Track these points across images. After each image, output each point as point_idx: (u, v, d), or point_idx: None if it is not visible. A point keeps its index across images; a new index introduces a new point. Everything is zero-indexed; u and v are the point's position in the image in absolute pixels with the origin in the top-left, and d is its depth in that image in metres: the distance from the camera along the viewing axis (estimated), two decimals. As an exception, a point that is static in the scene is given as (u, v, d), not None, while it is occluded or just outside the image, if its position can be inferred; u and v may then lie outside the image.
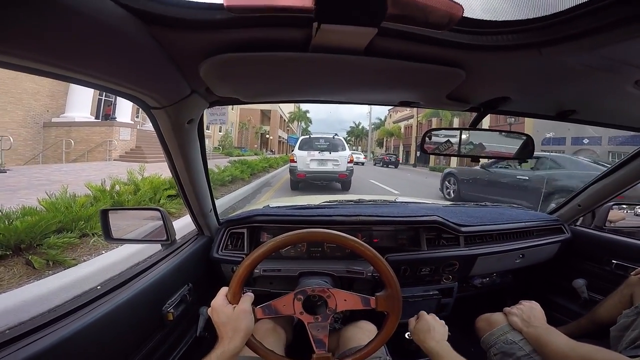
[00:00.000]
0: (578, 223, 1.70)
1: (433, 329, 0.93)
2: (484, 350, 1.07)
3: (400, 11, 0.40)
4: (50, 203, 3.36)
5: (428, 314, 1.00)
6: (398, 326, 0.80)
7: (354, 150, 36.76)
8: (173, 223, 1.21)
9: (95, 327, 0.69)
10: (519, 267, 1.54)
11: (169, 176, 5.04)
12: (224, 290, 0.76)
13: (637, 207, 1.75)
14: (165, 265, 1.01)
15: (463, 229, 1.39)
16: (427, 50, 0.55)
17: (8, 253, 2.59)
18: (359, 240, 0.79)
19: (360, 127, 68.18)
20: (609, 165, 1.40)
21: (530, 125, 16.73)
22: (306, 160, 8.44)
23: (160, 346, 0.96)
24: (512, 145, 1.07)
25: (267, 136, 43.04)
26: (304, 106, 53.59)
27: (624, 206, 1.71)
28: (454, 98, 0.81)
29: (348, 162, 8.53)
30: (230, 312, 0.71)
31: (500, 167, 6.84)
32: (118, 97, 14.01)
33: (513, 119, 16.60)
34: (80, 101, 13.59)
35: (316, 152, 8.56)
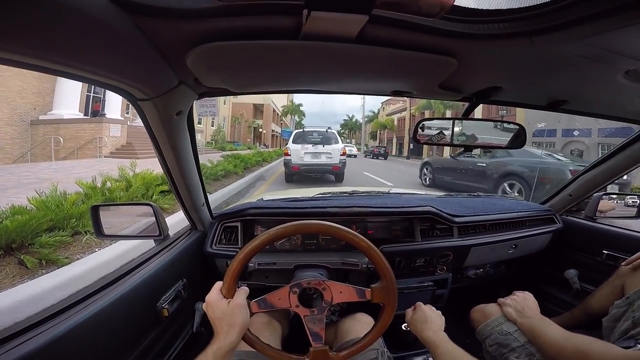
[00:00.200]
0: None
1: (430, 320, 0.95)
2: (479, 341, 1.08)
3: None
4: (41, 201, 3.31)
5: (424, 305, 1.01)
6: (395, 318, 0.81)
7: (348, 143, 37.36)
8: (167, 219, 1.20)
9: (89, 325, 0.69)
10: (512, 257, 1.56)
11: (160, 172, 4.99)
12: (218, 284, 0.75)
13: (628, 197, 1.77)
14: (159, 261, 1.00)
15: (457, 219, 1.40)
16: (418, 38, 0.54)
17: (0, 253, 2.55)
18: (353, 232, 0.78)
19: (353, 119, 68.22)
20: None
21: (521, 117, 16.87)
22: (300, 154, 8.65)
23: (156, 343, 0.95)
24: (504, 136, 1.07)
25: (260, 130, 42.76)
26: (297, 99, 53.41)
27: (614, 196, 1.73)
28: (447, 87, 0.81)
29: (341, 155, 8.77)
30: (225, 307, 0.71)
31: (465, 157, 7.83)
32: (107, 93, 13.90)
33: (505, 110, 16.70)
34: (68, 98, 13.36)
35: (310, 146, 8.76)
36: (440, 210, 1.38)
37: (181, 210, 1.26)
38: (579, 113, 1.05)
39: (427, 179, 9.36)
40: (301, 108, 52.50)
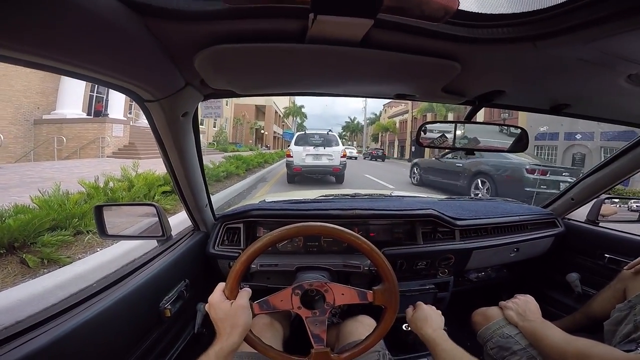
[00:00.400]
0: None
1: (430, 318, 0.96)
2: (480, 344, 1.08)
3: (396, 3, 0.40)
4: (43, 201, 3.32)
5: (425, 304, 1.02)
6: (396, 320, 0.81)
7: (349, 145, 37.78)
8: (170, 219, 1.21)
9: (92, 325, 0.69)
10: (514, 261, 1.56)
11: (163, 172, 5.00)
12: (221, 285, 0.76)
13: (631, 201, 1.77)
14: (161, 262, 1.00)
15: (458, 222, 1.40)
16: (422, 42, 0.55)
17: (2, 252, 2.56)
18: (355, 234, 0.79)
19: (355, 122, 68.14)
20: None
21: (523, 120, 16.84)
22: (302, 155, 8.87)
23: (158, 343, 0.96)
24: (506, 139, 1.07)
25: (262, 131, 42.78)
26: (299, 101, 53.54)
27: (616, 200, 1.73)
28: (450, 91, 0.81)
29: (341, 157, 9.03)
30: (227, 308, 0.71)
31: (447, 158, 8.95)
32: (110, 93, 13.94)
33: (507, 113, 16.69)
34: (72, 98, 13.40)
35: (311, 148, 8.99)
36: (442, 214, 1.38)
37: (183, 211, 1.26)
38: (582, 117, 1.05)
39: (416, 178, 10.35)
40: (303, 110, 52.59)
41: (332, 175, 9.45)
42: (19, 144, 12.31)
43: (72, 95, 13.37)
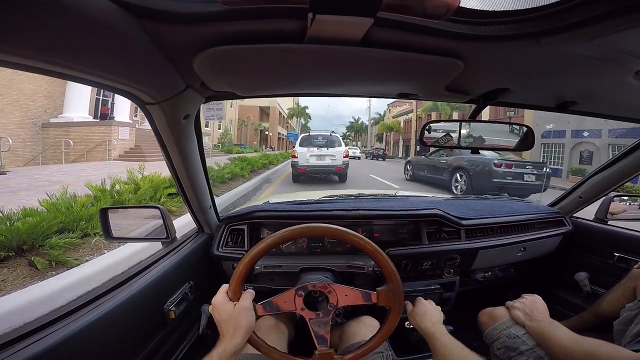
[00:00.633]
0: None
1: (429, 312, 0.96)
2: (486, 345, 1.07)
3: (396, 1, 0.40)
4: (51, 204, 3.36)
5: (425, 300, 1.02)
6: (400, 320, 0.80)
7: (353, 145, 38.02)
8: (174, 221, 1.21)
9: (97, 327, 0.69)
10: (521, 260, 1.54)
11: (168, 175, 5.02)
12: (224, 287, 0.75)
13: None
14: (166, 264, 1.01)
15: (464, 222, 1.39)
16: (424, 40, 0.54)
17: (11, 254, 2.59)
18: (359, 235, 0.78)
19: (359, 122, 68.14)
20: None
21: (529, 118, 16.68)
22: (306, 156, 9.33)
23: (163, 344, 0.96)
24: (512, 137, 1.06)
25: (267, 133, 42.91)
26: (303, 102, 53.61)
27: (625, 198, 1.70)
28: (453, 89, 0.80)
29: (344, 157, 9.50)
30: (230, 310, 0.71)
31: (434, 156, 10.08)
32: (115, 96, 14.08)
33: (512, 111, 16.56)
34: (78, 101, 13.58)
35: (315, 149, 9.47)
36: (447, 213, 1.37)
37: (188, 213, 1.27)
38: (589, 114, 1.04)
39: (409, 174, 11.72)
40: (307, 110, 52.64)
41: (335, 175, 9.88)
42: (27, 147, 12.49)
43: (78, 98, 13.55)
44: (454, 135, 1.02)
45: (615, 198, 1.59)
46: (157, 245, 1.20)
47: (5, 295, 2.08)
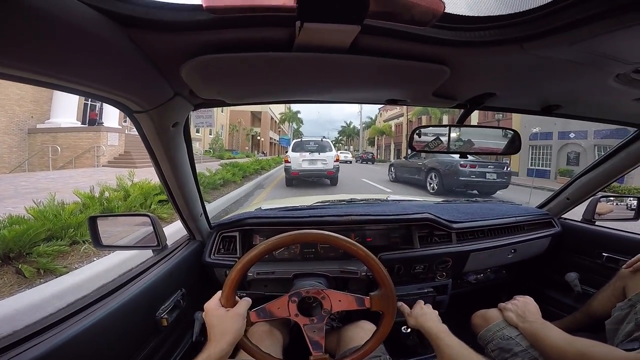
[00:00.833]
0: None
1: (430, 313, 0.99)
2: (481, 346, 1.07)
3: (382, 8, 0.40)
4: (39, 211, 3.30)
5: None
6: (395, 323, 0.81)
7: (345, 150, 38.78)
8: (165, 229, 1.20)
9: (88, 335, 0.68)
10: (512, 262, 1.56)
11: (159, 181, 4.97)
12: (219, 293, 0.75)
13: (629, 198, 1.78)
14: (157, 271, 1.00)
15: (454, 225, 1.40)
16: (411, 47, 0.55)
17: (-3, 262, 2.54)
18: (351, 240, 0.78)
19: (351, 126, 68.40)
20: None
21: (517, 121, 16.99)
22: (298, 161, 9.67)
23: (156, 352, 0.95)
24: (500, 141, 1.08)
25: (259, 138, 42.78)
26: (295, 107, 53.52)
27: (612, 198, 1.73)
28: (441, 95, 0.81)
29: (335, 161, 9.91)
30: (221, 315, 0.71)
31: (412, 159, 11.19)
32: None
33: (501, 115, 16.84)
34: (66, 106, 13.34)
35: (307, 154, 9.84)
36: (438, 217, 1.38)
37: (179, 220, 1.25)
38: (573, 117, 1.06)
39: (392, 175, 12.85)
40: (299, 115, 52.72)
41: (327, 178, 10.25)
42: (13, 154, 12.23)
43: (66, 103, 13.31)
44: (444, 139, 1.03)
45: (602, 199, 1.62)
46: (148, 253, 1.18)
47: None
